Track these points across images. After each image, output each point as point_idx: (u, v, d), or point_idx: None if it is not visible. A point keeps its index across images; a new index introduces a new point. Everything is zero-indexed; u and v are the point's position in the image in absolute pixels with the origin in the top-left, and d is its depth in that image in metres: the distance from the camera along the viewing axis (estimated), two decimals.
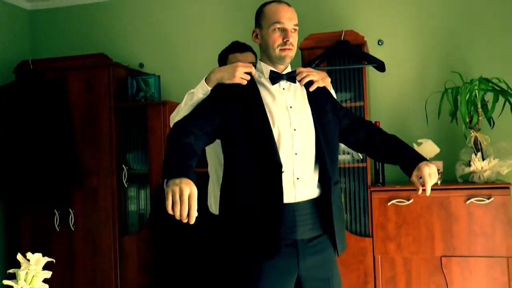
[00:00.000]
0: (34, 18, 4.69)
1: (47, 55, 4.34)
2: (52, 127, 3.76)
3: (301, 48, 3.46)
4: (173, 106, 3.76)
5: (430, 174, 2.04)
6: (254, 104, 2.03)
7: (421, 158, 2.12)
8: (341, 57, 3.45)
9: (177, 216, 1.68)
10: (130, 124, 3.88)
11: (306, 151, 2.04)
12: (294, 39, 2.10)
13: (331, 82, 3.48)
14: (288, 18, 2.07)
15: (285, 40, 2.07)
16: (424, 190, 2.06)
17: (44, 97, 3.80)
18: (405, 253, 3.19)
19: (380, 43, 3.84)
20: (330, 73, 3.45)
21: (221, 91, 2.08)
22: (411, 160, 2.12)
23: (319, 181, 2.06)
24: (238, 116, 2.01)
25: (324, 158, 2.05)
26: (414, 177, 2.09)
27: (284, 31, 2.07)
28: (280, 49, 2.07)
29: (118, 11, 4.46)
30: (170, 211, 1.68)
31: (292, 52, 2.11)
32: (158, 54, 4.33)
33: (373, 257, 3.27)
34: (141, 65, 4.34)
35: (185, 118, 2.04)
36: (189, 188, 1.68)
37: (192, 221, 1.69)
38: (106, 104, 3.79)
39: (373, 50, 3.78)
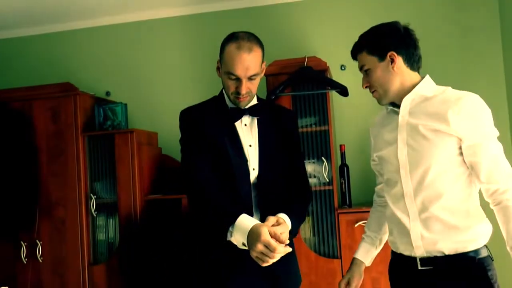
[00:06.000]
0: None
1: (11, 85, 4.30)
2: (16, 156, 3.72)
3: (266, 75, 3.50)
4: (141, 134, 3.78)
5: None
6: (224, 140, 2.02)
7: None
8: (305, 82, 3.51)
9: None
10: (97, 153, 3.87)
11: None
12: (252, 85, 2.00)
13: (296, 108, 3.53)
14: (243, 69, 1.94)
15: (237, 90, 1.99)
16: None
17: (9, 127, 3.77)
18: (373, 273, 3.23)
19: (342, 68, 3.94)
20: (294, 99, 3.51)
21: (191, 125, 2.08)
22: None
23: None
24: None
25: (267, 195, 2.05)
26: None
27: (238, 80, 1.97)
28: (235, 97, 2.02)
29: (83, 40, 4.47)
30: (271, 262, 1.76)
31: (248, 99, 2.03)
32: (125, 82, 4.35)
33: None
34: (108, 93, 4.34)
35: (192, 170, 2.00)
36: (263, 234, 1.73)
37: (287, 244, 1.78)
38: (73, 133, 3.77)
39: (336, 75, 3.87)
